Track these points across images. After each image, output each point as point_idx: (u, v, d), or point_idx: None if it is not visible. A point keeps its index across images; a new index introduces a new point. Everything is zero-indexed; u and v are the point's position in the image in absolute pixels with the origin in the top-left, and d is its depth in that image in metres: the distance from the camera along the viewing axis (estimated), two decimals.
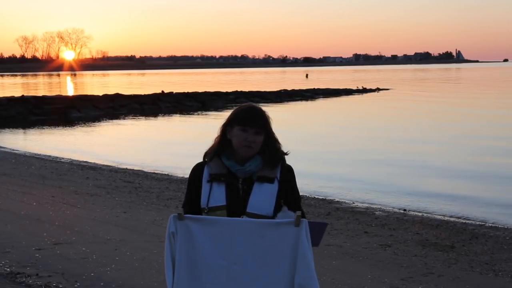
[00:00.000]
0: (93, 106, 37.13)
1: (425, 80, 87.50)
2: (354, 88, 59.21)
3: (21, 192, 11.20)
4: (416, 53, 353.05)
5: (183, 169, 14.26)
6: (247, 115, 3.23)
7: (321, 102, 44.69)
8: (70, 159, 17.06)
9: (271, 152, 3.25)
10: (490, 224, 9.75)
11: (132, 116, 34.98)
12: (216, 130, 3.34)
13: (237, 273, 3.02)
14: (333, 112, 35.67)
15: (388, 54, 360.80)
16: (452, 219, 10.13)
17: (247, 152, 3.21)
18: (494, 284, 6.40)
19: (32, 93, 48.45)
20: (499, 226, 9.66)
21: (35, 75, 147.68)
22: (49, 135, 25.72)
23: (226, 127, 3.28)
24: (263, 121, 3.24)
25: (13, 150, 19.47)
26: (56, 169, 14.50)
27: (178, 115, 35.39)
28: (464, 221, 10.00)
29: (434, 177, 14.34)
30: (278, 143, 3.30)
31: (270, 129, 3.28)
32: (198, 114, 35.41)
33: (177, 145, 21.46)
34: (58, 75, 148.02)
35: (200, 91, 46.86)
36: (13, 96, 36.98)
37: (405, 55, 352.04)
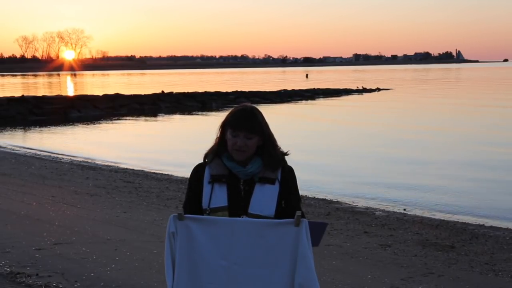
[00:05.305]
0: (93, 106, 37.12)
1: (425, 80, 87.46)
2: (354, 88, 59.19)
3: (21, 192, 11.20)
4: (416, 53, 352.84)
5: (183, 169, 14.25)
6: (237, 119, 3.19)
7: (321, 102, 44.66)
8: (70, 159, 17.06)
9: (271, 155, 3.22)
10: (490, 224, 9.74)
11: (132, 116, 34.97)
12: (216, 131, 3.32)
13: (237, 273, 3.02)
14: (333, 112, 35.64)
15: (388, 54, 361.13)
16: (452, 219, 10.13)
17: (239, 156, 3.19)
18: (494, 284, 6.40)
19: (32, 93, 48.42)
20: (499, 226, 9.66)
21: (35, 75, 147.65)
22: (49, 135, 25.71)
23: (224, 128, 3.27)
24: (254, 125, 3.17)
25: (13, 150, 19.47)
26: (56, 169, 14.50)
27: (178, 115, 35.37)
28: (464, 221, 9.99)
29: (434, 177, 14.33)
30: (277, 145, 3.27)
31: (266, 131, 3.22)
32: (198, 114, 35.42)
33: (177, 145, 21.47)
34: (58, 75, 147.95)
35: (200, 91, 46.81)
36: (13, 96, 36.98)
37: (405, 55, 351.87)
